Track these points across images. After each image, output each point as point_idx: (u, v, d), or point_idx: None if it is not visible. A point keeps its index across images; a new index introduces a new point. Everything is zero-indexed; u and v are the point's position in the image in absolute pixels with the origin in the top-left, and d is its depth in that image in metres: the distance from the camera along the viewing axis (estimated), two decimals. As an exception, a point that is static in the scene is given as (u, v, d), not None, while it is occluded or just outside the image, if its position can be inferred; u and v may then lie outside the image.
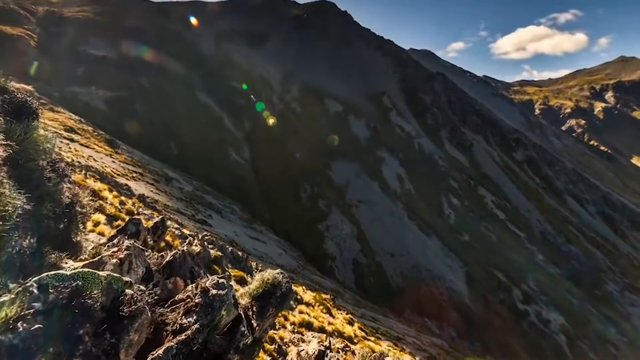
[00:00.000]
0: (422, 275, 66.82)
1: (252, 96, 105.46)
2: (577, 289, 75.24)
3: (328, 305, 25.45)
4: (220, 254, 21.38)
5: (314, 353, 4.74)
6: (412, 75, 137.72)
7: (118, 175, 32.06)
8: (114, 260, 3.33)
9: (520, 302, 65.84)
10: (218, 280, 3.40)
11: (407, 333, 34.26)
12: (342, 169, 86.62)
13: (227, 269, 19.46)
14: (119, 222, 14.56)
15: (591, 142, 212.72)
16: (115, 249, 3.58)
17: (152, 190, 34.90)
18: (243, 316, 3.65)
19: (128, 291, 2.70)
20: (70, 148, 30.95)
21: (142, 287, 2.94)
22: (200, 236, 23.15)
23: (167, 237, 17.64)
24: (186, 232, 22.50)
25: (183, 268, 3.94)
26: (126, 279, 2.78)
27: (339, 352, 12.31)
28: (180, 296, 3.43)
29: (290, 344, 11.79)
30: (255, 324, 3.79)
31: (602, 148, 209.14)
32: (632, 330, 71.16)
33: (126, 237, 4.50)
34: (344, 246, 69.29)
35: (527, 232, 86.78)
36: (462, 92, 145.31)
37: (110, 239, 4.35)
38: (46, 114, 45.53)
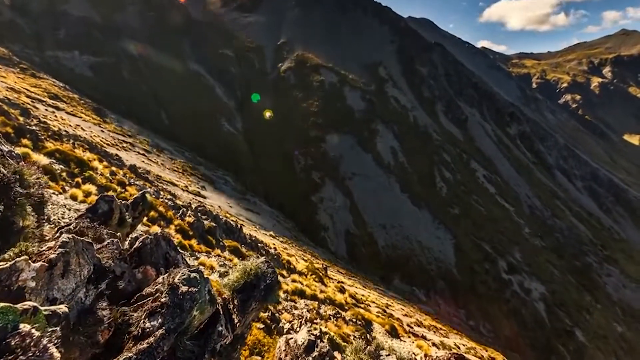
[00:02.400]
0: (413, 246, 68.79)
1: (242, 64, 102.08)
2: (558, 261, 78.46)
3: (320, 274, 26.22)
4: (214, 224, 21.58)
5: (304, 343, 4.44)
6: (409, 45, 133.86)
7: (108, 145, 31.46)
8: (39, 265, 2.53)
9: (505, 272, 68.68)
10: (189, 275, 2.88)
11: (395, 301, 35.77)
12: (336, 141, 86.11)
13: (221, 239, 19.72)
14: (111, 192, 14.48)
15: (585, 118, 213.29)
16: (52, 243, 2.83)
17: (143, 161, 34.48)
18: (222, 312, 3.24)
19: (24, 327, 1.84)
20: (56, 116, 30.04)
21: (62, 310, 2.22)
22: (193, 207, 23.23)
23: (161, 208, 17.67)
24: (179, 203, 22.54)
25: (155, 254, 3.39)
26: (27, 306, 1.97)
27: (331, 319, 12.79)
28: (148, 290, 2.95)
29: (283, 312, 12.26)
30: (236, 320, 3.43)
31: (595, 124, 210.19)
32: (605, 297, 75.33)
33: (96, 217, 3.90)
34: (337, 217, 70.42)
35: (515, 205, 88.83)
36: (459, 64, 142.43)
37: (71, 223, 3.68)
38: (28, 79, 43.68)
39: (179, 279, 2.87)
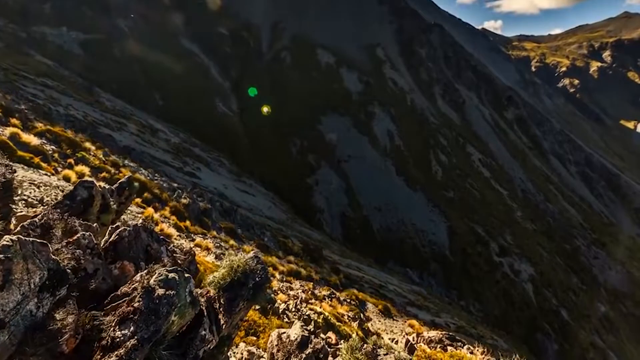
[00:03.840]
0: (407, 228, 69.74)
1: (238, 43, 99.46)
2: (548, 243, 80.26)
3: (315, 255, 26.59)
4: (210, 206, 21.58)
5: (296, 339, 4.19)
6: (408, 26, 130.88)
7: (100, 125, 30.91)
8: None
9: (496, 255, 70.23)
10: (167, 276, 2.56)
11: (389, 281, 36.57)
12: (332, 124, 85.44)
13: (216, 221, 19.77)
14: (104, 174, 14.34)
15: (582, 103, 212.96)
16: None
17: (137, 142, 34.03)
18: (206, 313, 2.98)
19: None
20: (45, 95, 29.29)
21: None
22: (188, 189, 23.15)
23: (155, 190, 17.57)
24: (174, 184, 22.43)
25: (134, 248, 3.07)
26: None
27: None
28: (125, 289, 2.66)
29: (279, 292, 12.49)
30: (222, 321, 3.17)
31: (591, 109, 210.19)
32: (591, 279, 77.73)
33: (74, 204, 3.48)
34: (333, 200, 70.82)
35: (509, 189, 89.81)
36: (459, 46, 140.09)
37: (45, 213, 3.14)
38: (14, 56, 42.28)
39: (154, 281, 2.53)
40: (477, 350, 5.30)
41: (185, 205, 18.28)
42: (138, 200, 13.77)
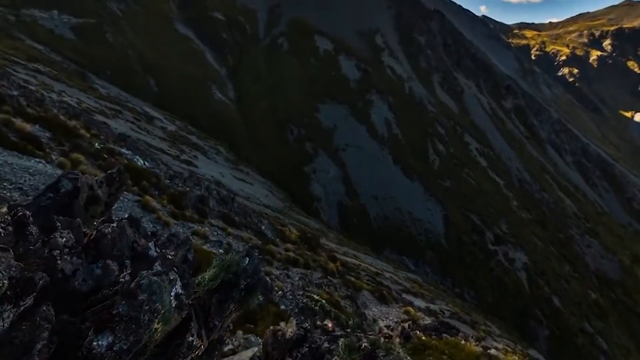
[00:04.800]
0: (404, 217, 70.26)
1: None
2: (543, 232, 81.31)
3: (312, 243, 26.77)
4: (207, 194, 21.54)
5: (292, 337, 3.95)
6: (408, 12, 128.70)
7: (95, 112, 30.49)
8: None
9: (491, 244, 71.14)
10: (150, 279, 2.34)
11: (385, 269, 37.03)
12: (330, 112, 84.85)
13: (214, 209, 19.76)
14: (100, 161, 14.21)
15: (580, 92, 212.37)
16: None
17: (132, 129, 33.68)
18: (195, 316, 2.80)
19: None
20: (38, 81, 28.75)
21: None
22: (186, 176, 23.06)
23: (153, 178, 17.46)
24: (171, 172, 22.31)
25: (119, 245, 2.84)
26: None
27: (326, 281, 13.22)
28: (106, 292, 2.50)
29: (276, 280, 12.62)
30: (212, 324, 2.99)
31: (589, 99, 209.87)
32: (583, 267, 79.19)
33: (58, 196, 3.21)
34: (330, 188, 70.96)
35: (506, 179, 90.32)
36: (458, 34, 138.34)
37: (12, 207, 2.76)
38: (3, 40, 41.27)
39: (136, 285, 2.29)
40: (472, 337, 5.40)
41: (183, 194, 18.24)
42: (135, 188, 13.70)
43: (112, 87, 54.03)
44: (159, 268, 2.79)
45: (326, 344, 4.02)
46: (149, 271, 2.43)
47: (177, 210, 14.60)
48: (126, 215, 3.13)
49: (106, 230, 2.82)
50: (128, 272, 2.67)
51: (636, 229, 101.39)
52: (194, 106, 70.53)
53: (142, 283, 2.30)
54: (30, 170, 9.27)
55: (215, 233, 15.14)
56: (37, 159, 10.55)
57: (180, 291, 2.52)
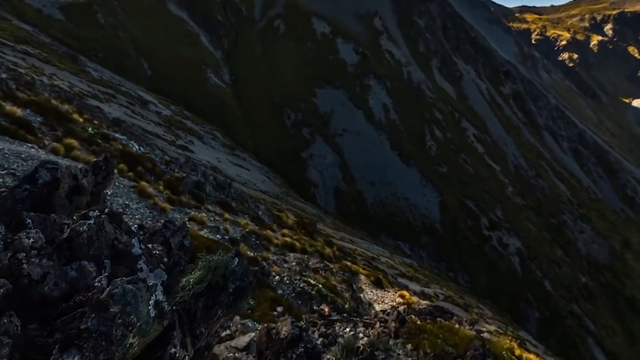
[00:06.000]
0: (400, 203, 70.72)
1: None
2: (537, 218, 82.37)
3: (309, 228, 26.95)
4: (203, 179, 21.46)
5: (287, 336, 3.77)
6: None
7: (88, 96, 29.90)
8: None
9: (486, 229, 72.07)
10: (124, 288, 2.07)
11: (381, 254, 37.53)
12: (327, 96, 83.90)
13: (210, 194, 19.72)
14: (94, 147, 14.03)
15: (579, 78, 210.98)
16: None
17: (127, 114, 33.16)
18: (178, 323, 2.56)
19: None
20: (27, 64, 28.02)
21: None
22: (182, 162, 22.90)
23: (148, 164, 17.31)
24: (167, 158, 22.14)
25: (96, 244, 2.54)
26: None
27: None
28: (79, 298, 2.23)
29: (273, 265, 12.74)
30: (199, 330, 2.76)
31: (588, 85, 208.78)
32: (574, 252, 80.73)
33: (36, 188, 2.89)
34: (327, 174, 70.97)
35: (502, 165, 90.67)
36: (458, 17, 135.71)
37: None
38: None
39: (107, 295, 2.02)
40: (466, 321, 5.53)
41: (179, 179, 18.15)
42: (130, 174, 13.59)
43: (104, 70, 52.86)
44: (144, 266, 2.56)
45: (321, 346, 3.77)
46: (124, 278, 2.16)
47: (174, 196, 14.55)
48: (106, 210, 2.84)
49: (81, 229, 2.53)
50: (106, 274, 2.41)
51: (628, 215, 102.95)
52: (188, 90, 69.37)
53: (114, 293, 2.01)
54: (23, 156, 9.14)
55: (212, 219, 15.17)
56: (30, 144, 10.38)
57: (161, 298, 2.24)
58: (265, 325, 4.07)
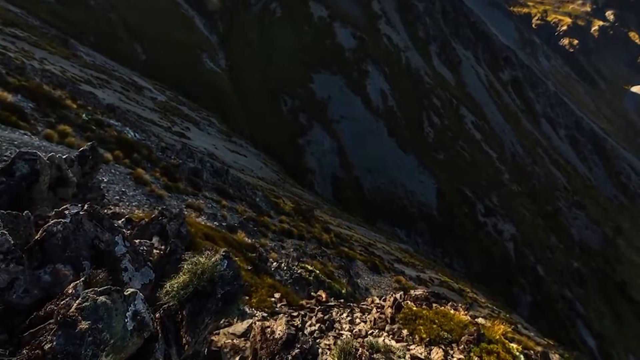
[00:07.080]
0: (397, 189, 71.01)
1: None
2: (532, 205, 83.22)
3: (307, 215, 27.07)
4: (200, 166, 21.36)
5: (282, 337, 3.63)
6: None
7: (80, 81, 29.32)
8: None
9: (482, 215, 72.80)
10: (95, 301, 1.81)
11: (377, 240, 37.92)
12: (324, 82, 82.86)
13: (208, 181, 19.67)
14: (88, 133, 13.85)
15: (579, 64, 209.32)
16: None
17: (121, 100, 32.64)
18: (162, 333, 2.32)
19: None
20: (17, 47, 27.30)
21: None
22: (178, 148, 22.72)
23: (144, 151, 17.16)
24: (163, 144, 21.95)
25: (73, 245, 2.27)
26: None
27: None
28: (51, 307, 1.94)
29: (271, 251, 12.85)
30: (185, 339, 2.52)
31: (587, 71, 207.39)
32: (568, 238, 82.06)
33: (14, 181, 2.67)
34: (324, 161, 70.85)
35: (499, 152, 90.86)
36: (458, 1, 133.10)
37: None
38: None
39: (76, 309, 1.77)
40: (461, 306, 5.65)
41: (176, 166, 18.04)
42: (126, 161, 13.48)
43: (96, 55, 51.69)
44: (128, 265, 2.36)
45: (317, 346, 3.64)
46: (96, 289, 1.90)
47: (171, 183, 14.50)
48: (85, 206, 2.55)
49: (55, 229, 2.28)
50: (84, 277, 2.21)
51: (622, 201, 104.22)
52: (184, 75, 68.19)
53: (84, 307, 1.74)
54: (16, 143, 9.01)
55: (210, 205, 15.17)
56: (22, 131, 10.22)
57: (141, 307, 2.00)
58: (260, 324, 3.96)
